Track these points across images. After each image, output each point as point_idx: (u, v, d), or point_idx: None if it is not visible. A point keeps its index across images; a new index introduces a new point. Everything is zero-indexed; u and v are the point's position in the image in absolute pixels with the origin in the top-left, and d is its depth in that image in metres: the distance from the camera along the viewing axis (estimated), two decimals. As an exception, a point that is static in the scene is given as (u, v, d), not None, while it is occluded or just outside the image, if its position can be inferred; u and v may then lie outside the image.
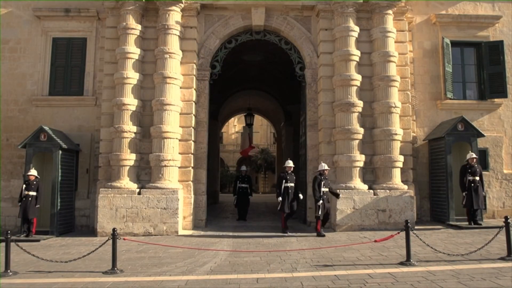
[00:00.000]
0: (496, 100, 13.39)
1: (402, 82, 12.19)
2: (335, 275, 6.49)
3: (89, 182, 12.55)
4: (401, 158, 11.65)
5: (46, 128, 11.34)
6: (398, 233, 7.63)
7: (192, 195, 11.81)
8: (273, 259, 7.79)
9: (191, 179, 11.88)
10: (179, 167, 11.66)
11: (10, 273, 6.89)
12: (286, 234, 10.72)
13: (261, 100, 23.69)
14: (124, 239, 8.47)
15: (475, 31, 13.59)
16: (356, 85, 11.80)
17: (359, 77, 11.83)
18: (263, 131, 50.63)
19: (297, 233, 10.89)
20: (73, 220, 12.15)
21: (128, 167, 11.25)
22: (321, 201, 10.44)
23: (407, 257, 7.18)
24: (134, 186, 11.20)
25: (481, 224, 11.26)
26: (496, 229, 8.33)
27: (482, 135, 12.25)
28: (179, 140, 11.74)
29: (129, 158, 11.24)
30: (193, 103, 12.19)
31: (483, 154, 12.87)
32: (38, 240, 10.27)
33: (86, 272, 7.05)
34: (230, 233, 11.17)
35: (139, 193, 11.10)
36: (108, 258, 7.30)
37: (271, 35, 12.97)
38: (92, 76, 12.96)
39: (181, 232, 11.12)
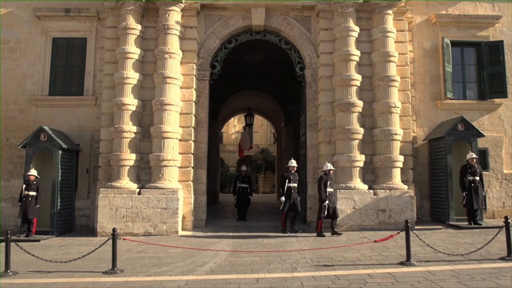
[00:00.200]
0: (496, 100, 13.39)
1: (402, 82, 12.19)
2: (335, 275, 6.49)
3: (89, 182, 12.56)
4: (401, 158, 11.65)
5: (46, 128, 11.34)
6: (398, 233, 7.64)
7: (192, 195, 11.81)
8: (273, 259, 7.79)
9: (191, 179, 11.88)
10: (179, 167, 11.66)
11: (10, 273, 6.89)
12: (286, 234, 10.73)
13: (261, 100, 23.69)
14: (124, 239, 8.48)
15: (475, 31, 13.59)
16: (356, 85, 11.80)
17: (359, 77, 11.83)
18: (263, 131, 50.61)
19: (297, 233, 10.89)
20: (73, 220, 12.15)
21: (128, 167, 11.25)
22: (327, 201, 10.40)
23: (407, 257, 7.18)
24: (134, 186, 11.20)
25: (481, 224, 11.26)
26: (496, 229, 8.33)
27: (482, 135, 12.25)
28: (179, 140, 11.74)
29: (129, 158, 11.24)
30: (193, 103, 12.19)
31: (483, 154, 12.87)
32: (38, 240, 10.27)
33: (86, 272, 7.04)
34: (230, 233, 11.16)
35: (139, 193, 11.10)
36: (108, 258, 7.30)
37: (271, 35, 12.97)
38: (92, 76, 12.96)
39: (181, 232, 11.12)
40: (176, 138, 11.62)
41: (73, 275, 6.80)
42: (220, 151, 34.25)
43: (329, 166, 10.75)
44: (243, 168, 15.96)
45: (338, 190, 11.18)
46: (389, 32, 12.01)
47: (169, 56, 11.63)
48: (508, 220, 7.42)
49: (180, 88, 11.95)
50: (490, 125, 13.31)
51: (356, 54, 11.88)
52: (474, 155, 11.41)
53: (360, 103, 11.70)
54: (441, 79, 13.31)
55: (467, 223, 11.39)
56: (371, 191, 11.40)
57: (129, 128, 11.32)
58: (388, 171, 11.55)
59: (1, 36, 13.02)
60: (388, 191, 11.36)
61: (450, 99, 13.24)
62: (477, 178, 11.24)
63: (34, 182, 10.58)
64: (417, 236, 7.73)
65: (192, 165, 11.93)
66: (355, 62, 11.91)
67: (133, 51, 11.62)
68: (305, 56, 12.68)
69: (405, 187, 11.55)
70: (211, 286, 6.08)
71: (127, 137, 11.31)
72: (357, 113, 11.69)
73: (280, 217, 11.44)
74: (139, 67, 11.77)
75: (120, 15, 11.86)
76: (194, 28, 12.32)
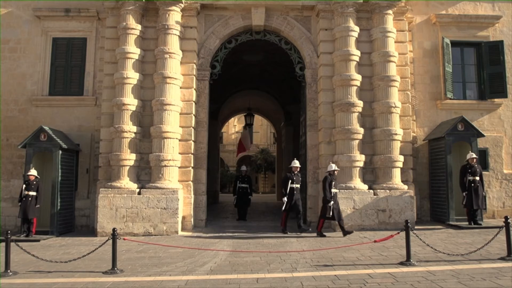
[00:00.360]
0: (496, 100, 13.39)
1: (402, 82, 12.19)
2: (335, 275, 6.49)
3: (89, 182, 12.56)
4: (401, 158, 11.65)
5: (46, 128, 11.34)
6: (398, 233, 7.64)
7: (192, 195, 11.81)
8: (273, 259, 7.79)
9: (191, 179, 11.88)
10: (179, 167, 11.66)
11: (10, 273, 6.89)
12: (286, 234, 10.73)
13: (261, 100, 23.69)
14: (124, 239, 8.48)
15: (475, 31, 13.59)
16: (356, 85, 11.80)
17: (359, 77, 11.83)
18: (263, 131, 50.61)
19: (297, 233, 10.90)
20: (73, 220, 12.15)
21: (128, 167, 11.26)
22: (332, 202, 10.35)
23: (407, 257, 7.18)
24: (134, 186, 11.20)
25: (481, 224, 11.26)
26: (496, 229, 8.34)
27: (482, 135, 12.24)
28: (179, 140, 11.74)
29: (129, 158, 11.24)
30: (193, 103, 12.19)
31: (483, 154, 12.87)
32: (38, 240, 10.27)
33: (86, 272, 7.04)
34: (230, 233, 11.17)
35: (139, 193, 11.10)
36: (108, 258, 7.30)
37: (271, 35, 12.97)
38: (92, 76, 12.96)
39: (181, 232, 11.12)
40: (176, 138, 11.62)
41: (73, 275, 6.81)
42: (220, 151, 34.25)
43: (334, 166, 10.67)
44: (243, 168, 15.96)
45: (338, 190, 11.16)
46: (389, 32, 12.01)
47: (169, 56, 11.63)
48: (508, 220, 7.42)
49: (180, 88, 11.95)
50: (490, 125, 13.31)
51: (356, 54, 11.88)
52: (474, 155, 11.41)
53: (360, 103, 11.70)
54: (441, 79, 13.31)
55: (467, 223, 11.39)
56: (371, 191, 11.40)
57: (129, 128, 11.32)
58: (388, 171, 11.55)
59: (1, 36, 13.02)
60: (388, 191, 11.36)
61: (450, 99, 13.24)
62: (477, 178, 11.24)
63: (34, 182, 10.58)
64: (417, 236, 7.73)
65: (192, 165, 11.93)
66: (355, 62, 11.91)
67: (133, 51, 11.62)
68: (305, 56, 12.68)
69: (405, 187, 11.55)
70: (211, 286, 6.08)
71: (127, 137, 11.31)
72: (357, 113, 11.69)
73: (280, 217, 11.44)
74: (139, 67, 11.77)
75: (120, 15, 11.86)
76: (194, 28, 12.32)
